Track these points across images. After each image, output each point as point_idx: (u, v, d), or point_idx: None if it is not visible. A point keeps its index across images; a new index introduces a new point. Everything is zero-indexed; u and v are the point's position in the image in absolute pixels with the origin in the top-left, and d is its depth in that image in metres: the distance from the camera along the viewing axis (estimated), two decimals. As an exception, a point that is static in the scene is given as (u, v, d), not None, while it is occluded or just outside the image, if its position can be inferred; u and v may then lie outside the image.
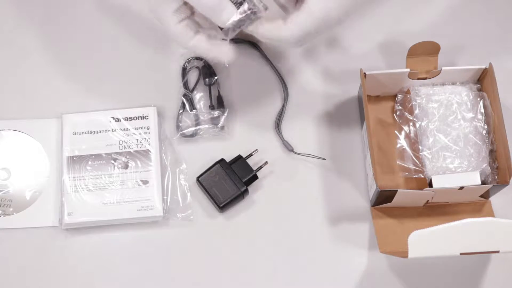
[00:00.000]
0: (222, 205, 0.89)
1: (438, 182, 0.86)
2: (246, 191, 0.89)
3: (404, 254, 0.76)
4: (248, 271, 0.88)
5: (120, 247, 0.89)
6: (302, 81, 0.96)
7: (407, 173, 0.89)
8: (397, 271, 0.88)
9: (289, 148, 0.92)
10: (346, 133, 0.94)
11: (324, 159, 0.92)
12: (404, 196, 0.86)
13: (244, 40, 0.97)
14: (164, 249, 0.89)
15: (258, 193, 0.91)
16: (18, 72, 0.96)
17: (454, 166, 0.87)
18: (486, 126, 0.89)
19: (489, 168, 0.87)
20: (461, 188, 0.85)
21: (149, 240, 0.89)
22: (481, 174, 0.87)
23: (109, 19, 0.99)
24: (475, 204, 0.90)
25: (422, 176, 0.88)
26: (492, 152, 0.89)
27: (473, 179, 0.86)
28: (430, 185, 0.87)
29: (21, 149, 0.92)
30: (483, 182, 0.87)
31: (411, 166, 0.89)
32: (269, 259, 0.89)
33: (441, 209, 0.90)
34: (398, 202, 0.87)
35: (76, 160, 0.90)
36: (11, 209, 0.90)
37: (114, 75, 0.96)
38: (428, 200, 0.88)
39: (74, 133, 0.91)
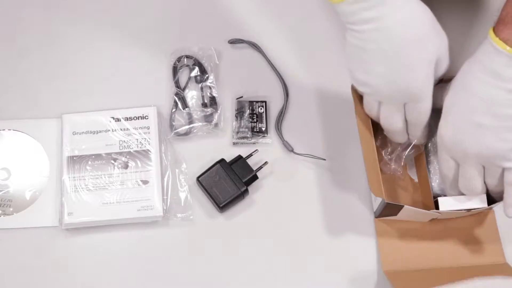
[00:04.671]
0: (222, 205, 0.89)
1: (445, 205, 0.84)
2: (246, 191, 0.89)
3: (408, 284, 0.78)
4: (248, 271, 0.88)
5: (120, 247, 0.89)
6: (302, 81, 0.96)
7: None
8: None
9: (289, 148, 0.92)
10: (346, 133, 0.94)
11: (324, 159, 0.92)
12: (410, 212, 0.85)
13: (244, 40, 0.97)
14: (164, 249, 0.89)
15: (258, 193, 0.91)
16: (18, 72, 0.96)
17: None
18: None
19: None
20: (468, 210, 0.84)
21: (149, 240, 0.89)
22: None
23: (109, 20, 0.99)
24: (479, 214, 0.89)
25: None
26: None
27: (480, 201, 0.83)
28: (436, 204, 0.85)
29: (21, 149, 0.92)
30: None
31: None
32: (269, 259, 0.89)
33: (446, 223, 0.88)
34: (403, 217, 0.87)
35: (76, 160, 0.90)
36: (11, 209, 0.90)
37: (114, 75, 0.96)
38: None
39: (74, 133, 0.91)
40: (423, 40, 0.79)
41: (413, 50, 0.78)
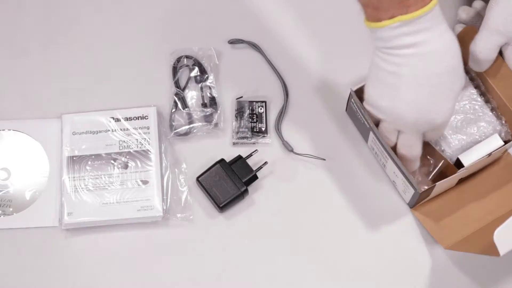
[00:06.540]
0: (222, 205, 0.89)
1: (467, 159, 0.86)
2: (246, 191, 0.89)
3: (474, 247, 0.80)
4: (248, 271, 0.88)
5: (120, 247, 0.89)
6: (302, 81, 0.96)
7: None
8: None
9: (289, 148, 0.92)
10: (346, 133, 0.94)
11: (324, 159, 0.92)
12: (442, 186, 0.86)
13: (244, 40, 0.97)
14: (164, 249, 0.89)
15: (258, 193, 0.91)
16: (18, 72, 0.96)
17: (467, 141, 0.88)
18: (476, 90, 0.90)
19: (498, 125, 0.88)
20: (489, 154, 0.86)
21: (149, 240, 0.89)
22: None
23: (109, 20, 0.99)
24: (497, 161, 0.91)
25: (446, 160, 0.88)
26: (494, 110, 0.89)
27: (495, 141, 0.87)
28: (458, 164, 0.87)
29: (21, 149, 0.92)
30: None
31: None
32: (269, 259, 0.89)
33: (470, 177, 0.90)
34: (435, 193, 0.88)
35: (76, 160, 0.90)
36: (11, 209, 0.90)
37: (114, 75, 0.96)
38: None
39: (74, 133, 0.91)
40: (456, 72, 0.79)
41: (447, 79, 0.78)
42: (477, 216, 0.88)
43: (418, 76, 0.77)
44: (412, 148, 0.84)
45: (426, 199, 0.89)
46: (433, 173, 0.89)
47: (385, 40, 0.76)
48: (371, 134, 0.87)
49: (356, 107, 0.88)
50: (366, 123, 0.87)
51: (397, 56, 0.77)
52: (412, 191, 0.85)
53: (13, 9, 0.99)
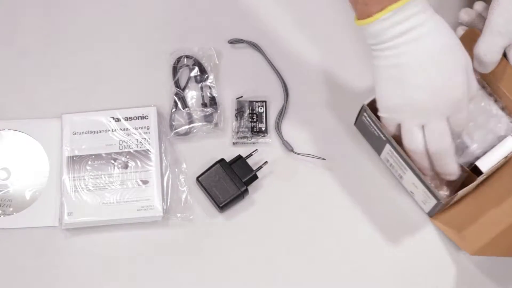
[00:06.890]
0: (222, 205, 0.89)
1: (485, 165, 0.86)
2: (246, 191, 0.89)
3: (499, 249, 0.79)
4: (248, 271, 0.88)
5: (120, 247, 0.89)
6: (302, 81, 0.96)
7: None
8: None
9: (289, 148, 0.92)
10: (346, 133, 0.94)
11: (324, 159, 0.92)
12: (462, 193, 0.86)
13: (244, 40, 0.97)
14: (164, 249, 0.89)
15: (258, 193, 0.91)
16: (18, 72, 0.96)
17: (490, 138, 0.88)
18: (484, 91, 0.90)
19: (510, 124, 0.88)
20: (506, 157, 0.86)
21: (149, 240, 0.89)
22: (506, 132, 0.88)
23: (109, 19, 0.99)
24: (508, 161, 0.90)
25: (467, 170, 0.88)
26: (504, 109, 0.89)
27: (510, 143, 0.87)
28: (474, 170, 0.86)
29: (21, 149, 0.92)
30: None
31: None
32: (269, 259, 0.89)
33: (485, 180, 0.89)
34: (453, 200, 0.87)
35: (76, 160, 0.90)
36: (11, 209, 0.90)
37: (114, 75, 0.96)
38: None
39: (74, 133, 0.91)
40: (457, 47, 0.79)
41: (449, 56, 0.79)
42: (497, 218, 0.87)
43: (421, 59, 0.78)
44: (442, 137, 0.81)
45: (444, 207, 0.88)
46: (452, 181, 0.87)
47: (378, 35, 0.77)
48: (387, 146, 0.86)
49: (369, 120, 0.87)
50: (381, 135, 0.86)
51: (394, 48, 0.77)
52: (434, 201, 0.84)
53: (13, 8, 0.99)
